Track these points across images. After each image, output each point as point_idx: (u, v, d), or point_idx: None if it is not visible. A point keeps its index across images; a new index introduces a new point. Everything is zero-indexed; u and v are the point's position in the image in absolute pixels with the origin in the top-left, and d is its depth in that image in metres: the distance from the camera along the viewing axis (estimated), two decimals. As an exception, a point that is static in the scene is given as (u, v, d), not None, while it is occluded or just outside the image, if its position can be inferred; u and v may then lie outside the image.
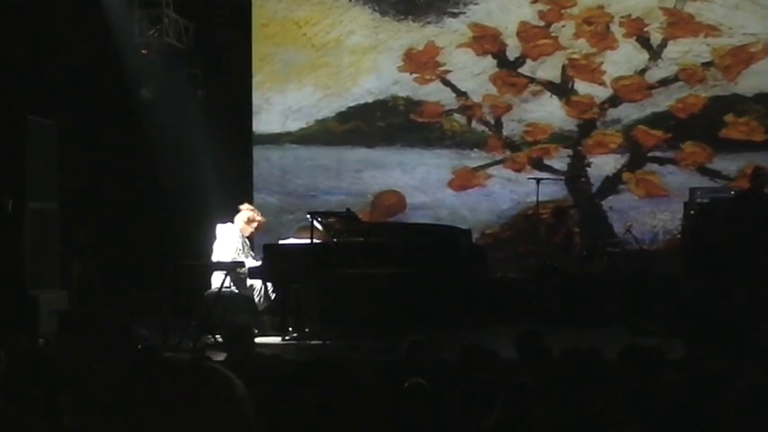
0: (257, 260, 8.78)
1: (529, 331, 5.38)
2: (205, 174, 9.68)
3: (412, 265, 8.51)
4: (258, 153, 10.84)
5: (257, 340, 7.94)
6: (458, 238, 9.47)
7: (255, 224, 8.92)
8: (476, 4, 10.70)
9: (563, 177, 10.54)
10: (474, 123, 10.75)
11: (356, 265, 8.53)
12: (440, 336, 6.67)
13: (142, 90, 9.83)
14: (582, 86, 10.63)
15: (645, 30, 10.52)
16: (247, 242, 8.96)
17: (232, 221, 8.81)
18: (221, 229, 8.74)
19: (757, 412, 3.43)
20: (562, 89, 10.67)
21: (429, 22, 10.77)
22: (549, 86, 10.67)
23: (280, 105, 10.87)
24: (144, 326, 7.43)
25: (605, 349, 4.63)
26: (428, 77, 10.78)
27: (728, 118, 10.38)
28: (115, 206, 9.73)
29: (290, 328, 8.55)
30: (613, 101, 10.58)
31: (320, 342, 8.18)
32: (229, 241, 8.69)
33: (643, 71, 10.54)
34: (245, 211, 8.88)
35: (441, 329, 7.44)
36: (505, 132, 10.70)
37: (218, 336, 7.90)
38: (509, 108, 10.71)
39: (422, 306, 8.29)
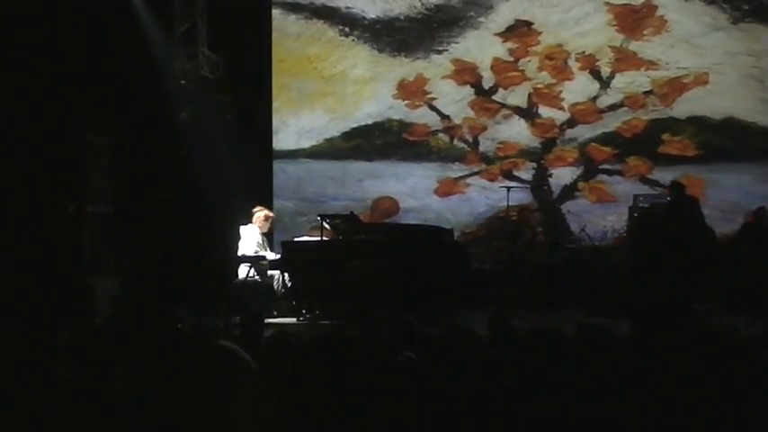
0: (276, 254, 8.77)
1: (499, 313, 5.36)
2: (233, 183, 9.66)
3: (404, 259, 8.50)
4: (277, 166, 10.79)
5: (276, 321, 7.99)
6: (442, 236, 9.46)
7: (270, 219, 8.94)
8: (457, 42, 10.68)
9: (529, 186, 10.51)
10: (455, 141, 10.73)
11: (358, 258, 8.51)
12: (428, 317, 6.65)
13: (181, 114, 9.82)
14: (544, 111, 10.61)
15: (596, 64, 10.51)
16: (266, 238, 8.94)
17: (252, 223, 8.80)
18: (244, 230, 8.75)
19: (693, 379, 3.43)
20: (528, 113, 10.65)
21: (418, 58, 10.75)
22: (518, 111, 10.65)
23: (295, 127, 10.83)
24: (183, 309, 7.40)
25: (564, 327, 4.60)
26: (417, 103, 10.75)
27: (665, 137, 10.37)
28: (159, 210, 9.72)
29: (304, 311, 8.53)
30: (570, 123, 10.56)
31: (328, 322, 8.15)
32: (251, 239, 8.70)
33: (595, 98, 10.53)
34: (260, 211, 8.87)
35: (428, 312, 7.42)
36: (481, 149, 10.69)
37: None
38: (484, 129, 10.69)
39: (413, 292, 8.27)
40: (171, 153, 9.73)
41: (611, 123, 10.47)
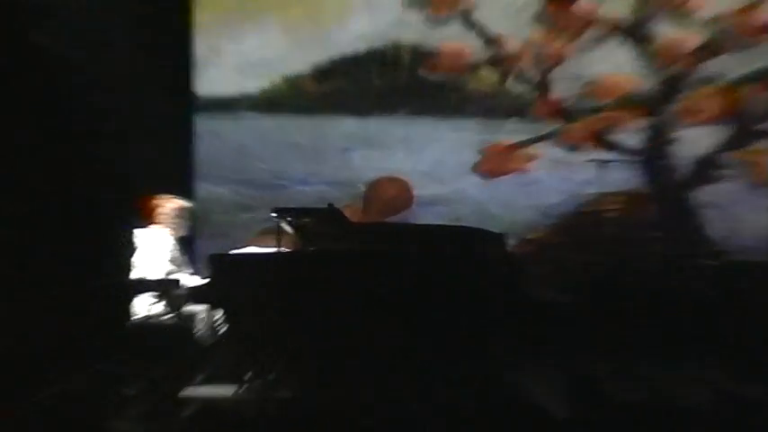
0: (199, 276, 8.87)
1: (584, 375, 5.48)
2: (130, 153, 9.70)
3: (419, 284, 8.59)
4: (203, 125, 10.95)
5: (202, 392, 8.09)
6: (486, 246, 9.55)
7: (187, 216, 9.08)
8: None
9: (637, 159, 10.60)
10: (510, 81, 10.81)
11: (341, 282, 8.60)
12: (456, 378, 6.74)
13: (42, 39, 9.91)
14: (666, 27, 10.70)
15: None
16: (181, 249, 9.00)
17: (156, 223, 8.90)
18: (142, 235, 8.82)
19: None
20: (637, 31, 10.74)
21: (445, -63, 10.89)
22: (619, 28, 10.74)
23: (234, 57, 10.97)
24: (57, 367, 7.51)
25: (691, 398, 4.72)
26: (444, 15, 10.85)
27: None
28: (14, 202, 9.81)
29: (248, 375, 8.60)
30: (711, 48, 10.65)
31: (289, 394, 8.23)
32: (154, 250, 8.80)
33: (754, 4, 10.60)
34: (169, 202, 8.99)
35: (457, 369, 7.51)
36: (555, 95, 10.78)
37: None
38: (561, 59, 10.79)
39: (431, 339, 8.35)
40: (28, 105, 9.81)
41: (782, 50, 10.61)
